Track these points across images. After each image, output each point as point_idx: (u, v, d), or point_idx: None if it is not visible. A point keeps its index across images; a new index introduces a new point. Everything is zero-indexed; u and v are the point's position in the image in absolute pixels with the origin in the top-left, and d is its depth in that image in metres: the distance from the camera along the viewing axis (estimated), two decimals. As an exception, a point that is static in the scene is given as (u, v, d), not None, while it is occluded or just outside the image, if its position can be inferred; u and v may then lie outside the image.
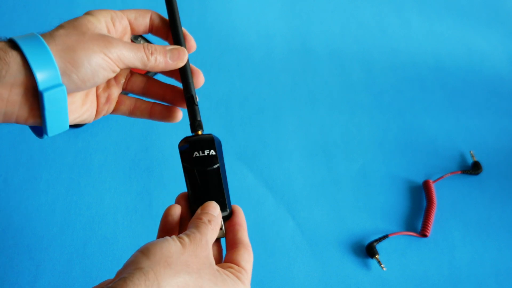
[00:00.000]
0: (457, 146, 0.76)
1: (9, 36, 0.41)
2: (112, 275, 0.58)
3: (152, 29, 0.47)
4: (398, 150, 0.74)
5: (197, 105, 0.46)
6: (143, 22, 0.46)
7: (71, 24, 0.40)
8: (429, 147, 0.75)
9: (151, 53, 0.43)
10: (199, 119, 0.45)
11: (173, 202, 0.65)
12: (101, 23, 0.42)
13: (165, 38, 0.48)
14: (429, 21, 0.91)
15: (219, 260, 0.44)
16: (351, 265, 0.63)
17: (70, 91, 0.39)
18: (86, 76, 0.39)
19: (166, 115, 0.48)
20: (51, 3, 0.81)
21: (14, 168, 0.64)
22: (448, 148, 0.75)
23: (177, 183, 0.66)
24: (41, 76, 0.37)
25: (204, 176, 0.44)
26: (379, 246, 0.64)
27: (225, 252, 0.44)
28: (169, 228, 0.43)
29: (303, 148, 0.72)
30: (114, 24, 0.43)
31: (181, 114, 0.48)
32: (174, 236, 0.38)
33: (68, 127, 0.41)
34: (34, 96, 0.38)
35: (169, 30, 0.47)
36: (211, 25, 0.83)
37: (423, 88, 0.82)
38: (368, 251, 0.64)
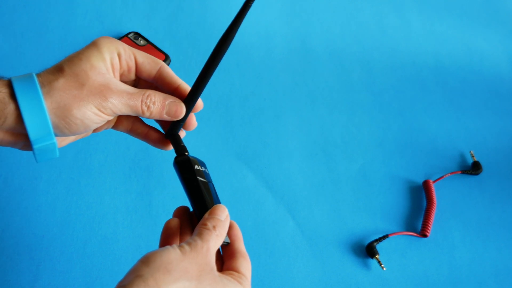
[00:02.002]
0: (457, 146, 0.76)
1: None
2: (112, 275, 0.58)
3: (156, 79, 0.46)
4: (398, 150, 0.74)
5: (178, 134, 0.48)
6: (149, 69, 0.45)
7: (72, 69, 0.40)
8: (429, 147, 0.75)
9: (148, 108, 0.43)
10: (182, 144, 0.47)
11: (174, 202, 0.65)
12: (106, 61, 0.42)
13: (165, 90, 0.46)
14: (429, 21, 0.91)
15: (219, 269, 0.44)
16: (351, 265, 0.63)
17: (60, 136, 0.42)
18: (78, 130, 0.41)
19: (159, 143, 0.49)
20: (51, 3, 0.81)
21: (14, 168, 0.64)
22: (448, 148, 0.75)
23: (177, 183, 0.66)
24: (34, 135, 0.39)
25: (208, 186, 0.45)
26: (379, 246, 0.64)
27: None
28: (170, 242, 0.44)
29: (303, 148, 0.72)
30: (120, 59, 0.43)
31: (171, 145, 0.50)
32: (174, 245, 0.39)
33: (58, 156, 0.42)
34: (26, 139, 0.40)
35: (172, 86, 0.46)
36: (211, 25, 0.83)
37: (423, 88, 0.82)
38: (368, 251, 0.64)
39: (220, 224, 0.41)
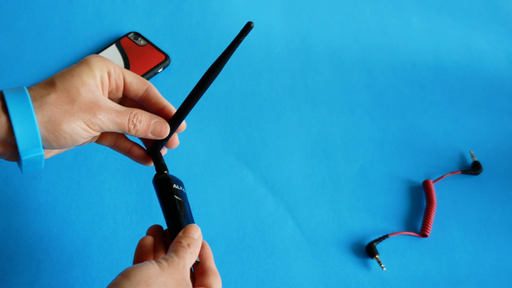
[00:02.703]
0: (457, 146, 0.76)
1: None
2: (112, 275, 0.58)
3: (142, 99, 0.48)
4: (398, 150, 0.74)
5: (159, 152, 0.50)
6: (137, 88, 0.47)
7: (63, 85, 0.41)
8: (429, 147, 0.75)
9: (134, 126, 0.44)
10: (163, 162, 0.49)
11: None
12: (96, 78, 0.43)
13: (151, 110, 0.48)
14: (429, 21, 0.91)
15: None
16: (351, 265, 0.63)
17: (47, 149, 0.43)
18: (66, 143, 0.42)
19: (141, 159, 0.50)
20: (51, 3, 0.81)
21: (14, 168, 0.64)
22: (448, 148, 0.75)
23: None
24: (23, 147, 0.40)
25: (184, 206, 0.47)
26: (379, 246, 0.64)
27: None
28: (144, 259, 0.45)
29: (303, 148, 0.72)
30: (110, 78, 0.45)
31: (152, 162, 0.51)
32: (153, 261, 0.41)
33: (43, 167, 0.43)
34: (14, 150, 0.41)
35: (158, 106, 0.48)
36: (211, 25, 0.83)
37: (423, 88, 0.82)
38: (368, 251, 0.64)
39: (194, 243, 0.44)
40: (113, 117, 0.43)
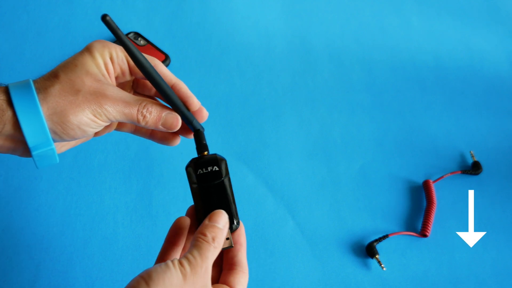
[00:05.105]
0: (457, 146, 0.76)
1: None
2: (112, 275, 0.58)
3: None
4: (398, 150, 0.74)
5: (199, 130, 0.47)
6: None
7: (67, 75, 0.41)
8: (429, 147, 0.75)
9: (144, 117, 0.43)
10: (204, 142, 0.46)
11: (174, 202, 0.65)
12: (100, 66, 0.42)
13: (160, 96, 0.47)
14: (429, 21, 0.91)
15: (216, 280, 0.44)
16: (351, 265, 0.63)
17: (60, 142, 0.42)
18: (75, 135, 0.41)
19: (165, 138, 0.49)
20: (52, 3, 0.81)
21: (14, 168, 0.64)
22: (448, 148, 0.75)
23: (176, 183, 0.66)
24: (32, 141, 0.39)
25: (210, 190, 0.45)
26: (379, 246, 0.64)
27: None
28: (176, 240, 0.44)
29: (303, 148, 0.72)
30: (114, 63, 0.43)
31: (179, 139, 0.49)
32: (176, 261, 0.39)
33: (57, 161, 0.42)
34: (25, 146, 0.40)
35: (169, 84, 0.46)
36: (211, 25, 0.83)
37: (423, 88, 0.82)
38: (368, 251, 0.64)
39: (219, 234, 0.41)
40: (120, 108, 0.42)
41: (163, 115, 0.44)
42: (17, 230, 0.60)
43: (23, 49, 0.75)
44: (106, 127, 0.47)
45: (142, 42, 0.78)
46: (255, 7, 0.88)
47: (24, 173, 0.64)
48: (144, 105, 0.43)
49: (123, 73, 0.44)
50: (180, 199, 0.65)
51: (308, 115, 0.76)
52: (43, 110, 0.39)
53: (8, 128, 0.39)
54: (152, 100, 0.44)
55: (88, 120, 0.40)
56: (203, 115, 0.47)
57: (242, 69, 0.79)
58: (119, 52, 0.44)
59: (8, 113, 0.39)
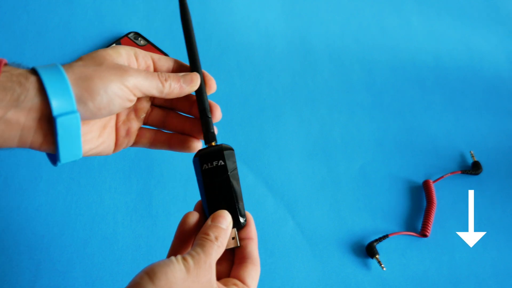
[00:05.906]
0: (457, 146, 0.76)
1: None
2: (112, 275, 0.58)
3: (175, 71, 0.48)
4: (398, 150, 0.74)
5: (210, 117, 0.47)
6: (165, 64, 0.47)
7: (89, 56, 0.42)
8: (429, 147, 0.75)
9: (165, 80, 0.44)
10: (212, 131, 0.47)
11: (174, 202, 0.65)
12: (122, 56, 0.43)
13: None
14: (429, 21, 0.91)
15: (227, 274, 0.44)
16: (351, 265, 0.63)
17: (85, 119, 0.40)
18: (102, 104, 0.40)
19: (184, 146, 0.49)
20: (52, 3, 0.81)
21: (14, 168, 0.64)
22: (448, 148, 0.75)
23: (176, 183, 0.66)
24: (56, 103, 0.38)
25: (215, 186, 0.45)
26: (379, 246, 0.64)
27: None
28: (185, 236, 0.44)
29: (303, 148, 0.72)
30: (138, 59, 0.45)
31: (199, 144, 0.49)
32: (179, 257, 0.39)
33: (81, 155, 0.42)
34: (49, 123, 0.39)
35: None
36: (211, 25, 0.83)
37: (423, 88, 0.82)
38: (368, 251, 0.64)
39: (222, 234, 0.42)
40: (143, 76, 0.42)
41: (180, 75, 0.46)
42: (17, 230, 0.60)
43: (23, 49, 0.75)
44: (126, 135, 0.47)
45: (142, 42, 0.78)
46: (254, 7, 0.88)
47: (24, 173, 0.64)
48: (161, 74, 0.44)
49: (147, 68, 0.46)
50: (180, 199, 0.65)
51: (308, 115, 0.76)
52: (68, 76, 0.39)
53: (31, 94, 0.38)
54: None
55: (115, 86, 0.40)
56: (211, 85, 0.50)
57: (242, 69, 0.79)
58: (142, 51, 0.45)
59: (32, 78, 0.38)
